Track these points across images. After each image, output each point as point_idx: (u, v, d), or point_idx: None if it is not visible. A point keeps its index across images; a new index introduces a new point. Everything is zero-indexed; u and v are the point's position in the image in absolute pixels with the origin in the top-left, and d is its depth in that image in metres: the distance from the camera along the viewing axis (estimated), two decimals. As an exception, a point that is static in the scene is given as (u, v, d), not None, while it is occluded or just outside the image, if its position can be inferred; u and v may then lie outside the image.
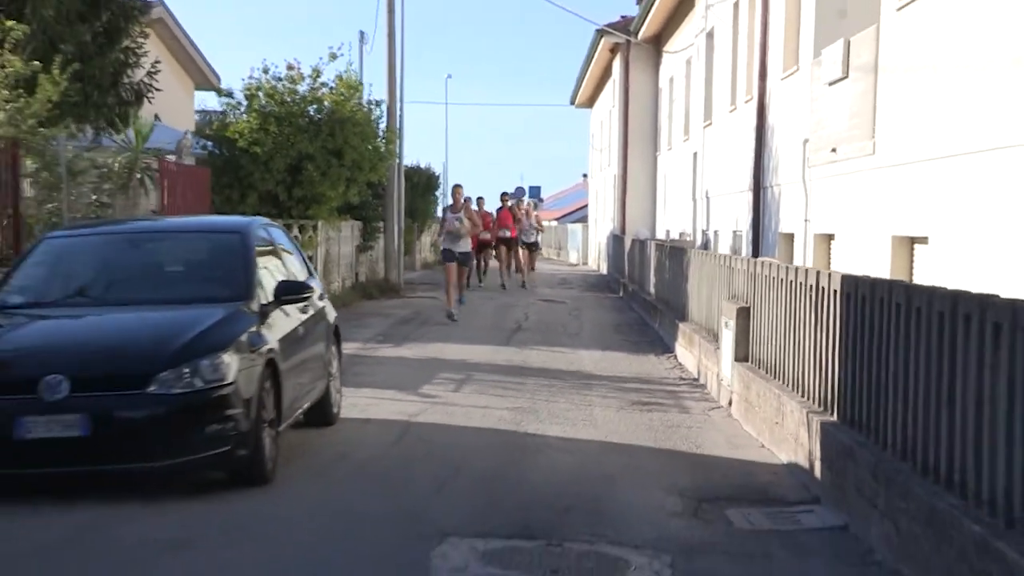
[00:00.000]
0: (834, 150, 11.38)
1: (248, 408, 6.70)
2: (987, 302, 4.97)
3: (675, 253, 15.56)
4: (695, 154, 21.65)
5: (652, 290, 18.37)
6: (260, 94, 18.94)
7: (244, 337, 6.90)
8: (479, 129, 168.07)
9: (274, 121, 18.69)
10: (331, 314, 9.18)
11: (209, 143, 19.18)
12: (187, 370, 6.46)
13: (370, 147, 19.45)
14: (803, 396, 7.94)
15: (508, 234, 25.07)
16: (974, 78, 8.29)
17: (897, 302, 5.98)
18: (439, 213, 43.37)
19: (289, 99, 18.96)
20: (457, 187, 19.29)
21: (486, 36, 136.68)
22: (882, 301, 6.20)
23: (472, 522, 6.19)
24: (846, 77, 11.02)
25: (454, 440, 8.58)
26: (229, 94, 19.35)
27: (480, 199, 24.82)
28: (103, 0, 15.72)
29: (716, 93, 19.78)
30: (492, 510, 6.49)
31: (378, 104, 20.74)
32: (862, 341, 6.57)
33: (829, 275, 7.42)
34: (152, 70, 16.40)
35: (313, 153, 18.54)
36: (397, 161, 23.12)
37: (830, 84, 11.59)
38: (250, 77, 19.32)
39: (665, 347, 14.72)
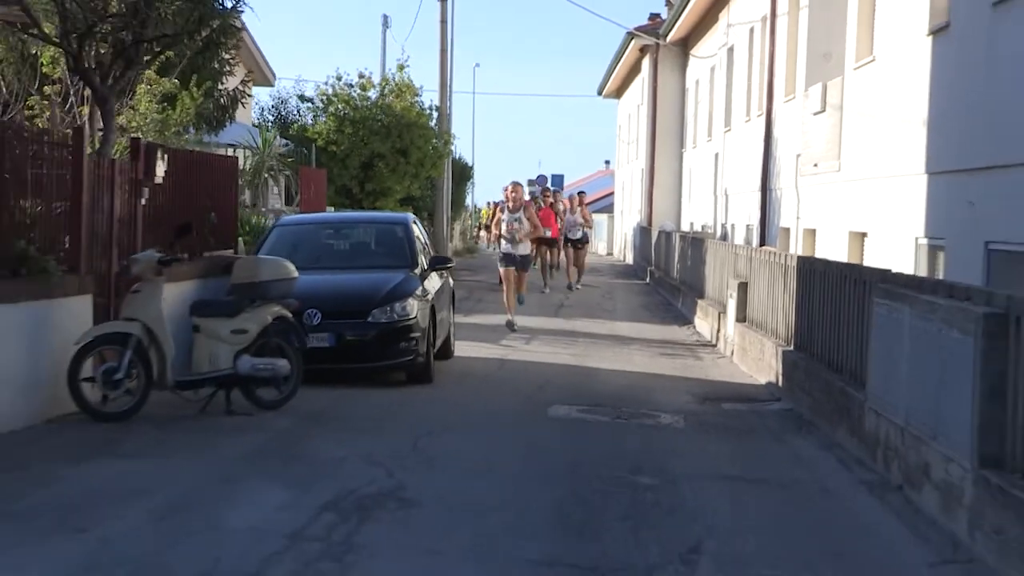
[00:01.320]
0: (816, 165, 16.73)
1: (423, 334, 12.07)
2: (857, 269, 10.29)
3: (696, 243, 20.93)
4: (716, 154, 26.99)
5: (676, 275, 23.74)
6: (336, 100, 24.33)
7: (418, 290, 12.28)
8: (498, 115, 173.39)
9: (349, 124, 24.10)
10: (451, 280, 14.60)
11: (290, 143, 24.58)
12: (388, 308, 11.83)
13: (431, 147, 24.87)
14: (776, 338, 13.26)
15: (549, 234, 24.55)
16: (888, 126, 13.64)
17: (820, 271, 11.31)
18: (471, 202, 48.67)
19: (361, 104, 24.36)
20: (517, 185, 19.90)
21: (510, 27, 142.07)
22: (812, 271, 11.54)
23: (565, 401, 11.53)
24: (824, 111, 16.36)
25: (538, 369, 13.95)
26: (309, 99, 24.77)
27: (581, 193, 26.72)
28: (206, 17, 21.13)
29: (735, 103, 25.09)
30: (575, 397, 11.82)
31: (435, 109, 26.15)
32: (805, 297, 11.88)
33: (786, 255, 12.80)
34: (245, 79, 21.83)
35: (384, 152, 23.95)
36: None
37: (814, 114, 16.92)
38: (325, 83, 24.72)
39: (686, 320, 20.07)
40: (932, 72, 12.33)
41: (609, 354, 15.59)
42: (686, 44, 33.15)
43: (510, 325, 17.61)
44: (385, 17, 40.25)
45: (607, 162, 75.86)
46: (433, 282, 13.02)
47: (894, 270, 9.99)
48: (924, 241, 12.55)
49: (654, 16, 38.14)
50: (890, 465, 8.20)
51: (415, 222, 13.64)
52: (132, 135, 13.77)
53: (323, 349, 11.52)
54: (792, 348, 12.40)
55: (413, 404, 11.13)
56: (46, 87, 14.78)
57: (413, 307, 11.97)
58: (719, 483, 8.17)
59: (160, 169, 11.29)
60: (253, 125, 25.76)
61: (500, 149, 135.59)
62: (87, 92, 14.24)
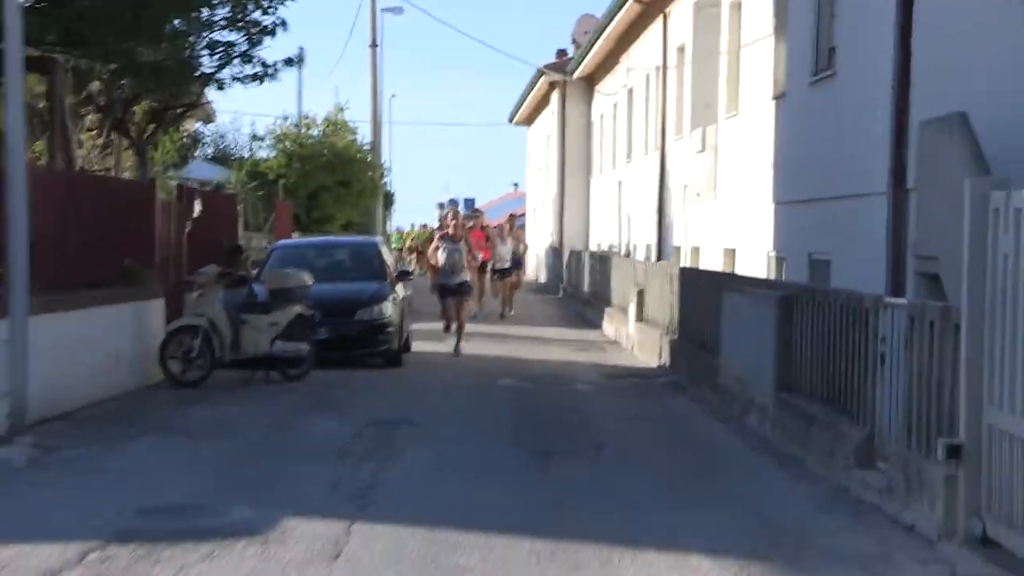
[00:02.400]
0: (698, 194, 21.36)
1: (395, 329, 16.39)
2: (715, 274, 14.86)
3: (603, 260, 25.47)
4: (620, 182, 31.63)
5: (586, 289, 28.26)
6: (285, 139, 28.60)
7: (391, 296, 16.60)
8: (407, 141, 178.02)
9: (297, 160, 28.36)
10: (408, 289, 18.95)
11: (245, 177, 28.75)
12: (369, 309, 16.12)
13: (368, 179, 29.23)
14: (664, 331, 17.77)
15: (480, 257, 24.48)
16: (748, 166, 18.29)
17: (693, 277, 15.86)
18: (391, 227, 52.76)
19: (306, 142, 28.65)
20: (455, 211, 21.62)
21: (422, 54, 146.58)
22: (688, 278, 16.08)
23: (507, 378, 15.91)
24: (704, 151, 20.98)
25: (482, 359, 18.31)
26: (261, 138, 29.03)
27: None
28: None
29: (635, 137, 29.74)
30: (515, 376, 16.20)
31: (370, 144, 30.56)
32: (685, 297, 16.40)
33: (671, 266, 17.40)
34: (201, 119, 26.04)
35: (328, 184, 28.23)
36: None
37: (696, 152, 21.55)
38: (274, 123, 28.95)
39: (595, 325, 24.57)
40: (775, 127, 16.97)
41: (535, 350, 20.01)
42: (591, 80, 37.79)
43: (456, 351, 18.49)
44: (301, 49, 44.18)
45: (515, 184, 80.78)
46: (399, 290, 17.37)
47: (752, 276, 14.57)
48: (772, 254, 17.17)
49: (561, 52, 42.81)
50: (733, 405, 12.71)
51: (382, 244, 18.00)
52: (172, 180, 17.96)
53: (321, 340, 15.76)
54: (676, 337, 16.92)
55: (394, 379, 15.46)
56: (85, 138, 18.80)
57: (387, 308, 16.30)
58: (618, 419, 12.62)
59: (197, 207, 15.52)
60: (202, 160, 29.91)
61: (409, 173, 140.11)
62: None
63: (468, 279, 19.29)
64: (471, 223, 25.63)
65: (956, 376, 7.19)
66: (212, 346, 13.64)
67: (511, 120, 53.07)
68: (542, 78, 39.99)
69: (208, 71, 16.38)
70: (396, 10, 34.58)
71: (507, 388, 14.82)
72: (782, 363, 11.20)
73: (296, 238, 20.50)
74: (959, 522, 6.94)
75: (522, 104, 47.19)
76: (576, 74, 37.55)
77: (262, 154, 28.63)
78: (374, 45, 32.24)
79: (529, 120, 50.93)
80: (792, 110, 16.31)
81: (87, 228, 12.60)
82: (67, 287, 11.73)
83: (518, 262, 26.85)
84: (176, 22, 14.76)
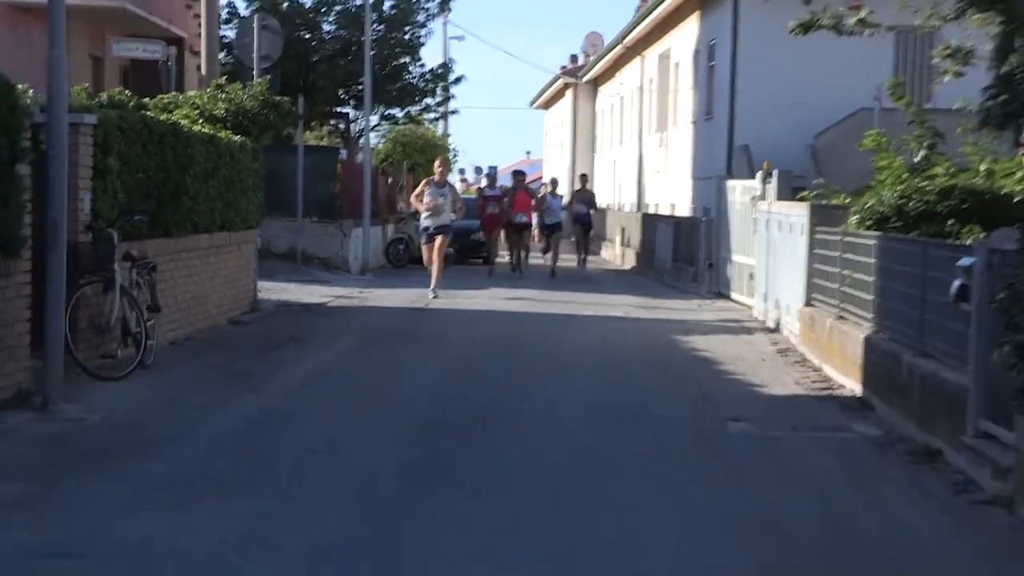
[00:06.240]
0: (658, 172, 36.89)
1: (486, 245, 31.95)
2: (654, 216, 30.49)
3: (602, 211, 41.06)
4: (614, 160, 47.10)
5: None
6: (393, 133, 43.99)
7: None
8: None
9: (400, 144, 43.71)
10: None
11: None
12: (477, 234, 31.68)
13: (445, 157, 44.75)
14: (636, 250, 33.28)
15: (524, 219, 27.93)
16: (683, 154, 33.88)
17: (647, 219, 31.42)
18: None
19: (407, 133, 44.04)
20: (444, 159, 24.56)
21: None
22: (646, 219, 31.67)
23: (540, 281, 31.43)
24: (661, 145, 36.47)
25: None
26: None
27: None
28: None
29: (624, 130, 45.15)
30: (559, 276, 31.67)
31: (443, 135, 46.09)
32: (645, 230, 31.90)
33: (640, 214, 33.18)
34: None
35: (420, 161, 43.63)
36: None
37: (658, 146, 37.05)
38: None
39: (597, 253, 40.07)
40: (693, 138, 32.39)
41: (568, 275, 35.55)
42: (596, 83, 53.15)
43: (434, 292, 21.29)
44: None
45: (528, 152, 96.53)
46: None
47: (665, 215, 29.96)
48: (690, 206, 32.64)
49: (574, 58, 58.31)
50: (661, 273, 28.23)
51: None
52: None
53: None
54: (641, 251, 32.42)
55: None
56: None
57: (481, 235, 31.69)
58: (608, 281, 28.11)
59: (389, 179, 31.08)
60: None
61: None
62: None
63: (448, 223, 21.92)
64: (515, 186, 28.97)
65: (707, 241, 22.94)
66: (410, 249, 29.09)
67: (531, 105, 68.56)
68: (560, 80, 55.42)
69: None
70: (459, 38, 50.22)
71: (558, 279, 30.31)
72: (675, 251, 26.79)
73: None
74: (712, 289, 22.69)
75: (541, 95, 62.65)
76: (585, 79, 52.97)
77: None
78: (444, 62, 47.60)
79: (547, 106, 66.31)
80: (698, 130, 31.73)
81: (360, 190, 28.19)
82: (359, 217, 27.31)
83: (588, 216, 30.83)
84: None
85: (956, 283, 9.35)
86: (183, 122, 15.08)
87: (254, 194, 17.38)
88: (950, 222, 13.35)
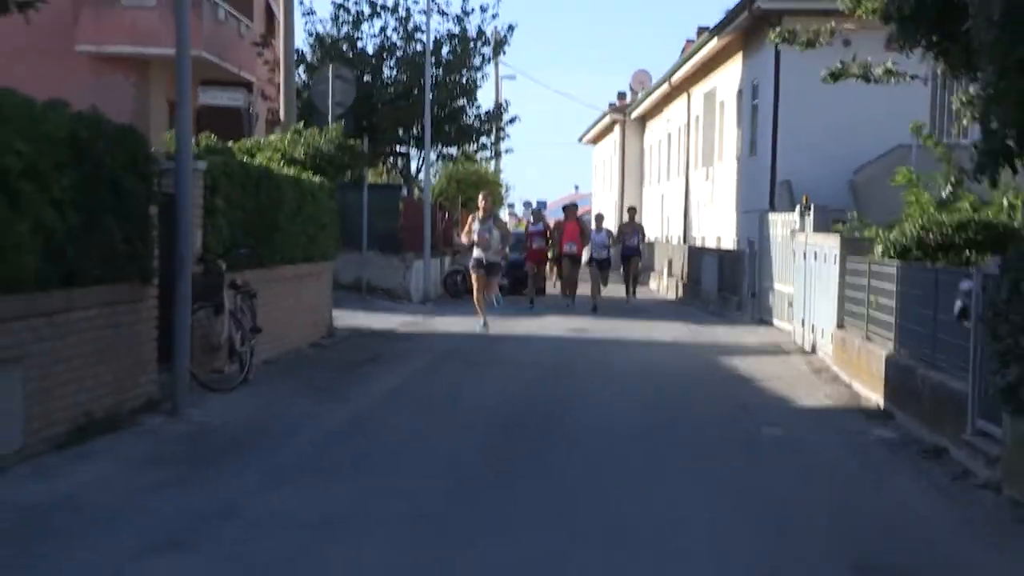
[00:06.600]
0: (704, 205, 38.44)
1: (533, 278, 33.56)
2: (699, 248, 32.02)
3: (650, 244, 42.59)
4: (662, 195, 48.66)
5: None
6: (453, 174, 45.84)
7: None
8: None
9: (455, 181, 45.51)
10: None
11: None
12: (523, 268, 33.35)
13: (498, 192, 46.42)
14: (680, 280, 34.82)
15: (573, 249, 28.75)
16: (728, 189, 35.44)
17: (692, 251, 32.96)
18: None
19: (462, 169, 45.81)
20: (487, 195, 24.30)
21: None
22: (692, 251, 33.21)
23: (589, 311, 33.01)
24: (708, 180, 38.03)
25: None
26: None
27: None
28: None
29: (672, 165, 46.71)
30: (610, 309, 33.25)
31: (495, 171, 47.83)
32: (690, 261, 33.43)
33: (686, 246, 34.76)
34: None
35: (474, 196, 45.38)
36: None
37: (704, 180, 38.60)
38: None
39: (646, 284, 41.57)
40: (736, 173, 33.91)
41: (615, 292, 37.09)
42: (644, 119, 54.76)
43: (484, 326, 21.78)
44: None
45: (576, 187, 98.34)
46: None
47: (709, 248, 31.47)
48: (735, 239, 34.10)
49: (621, 95, 59.92)
50: (706, 303, 29.72)
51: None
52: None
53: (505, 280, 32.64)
54: (687, 282, 33.92)
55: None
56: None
57: (529, 268, 33.28)
58: (658, 312, 29.63)
59: (448, 209, 32.78)
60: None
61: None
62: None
63: (499, 260, 22.64)
64: (567, 217, 29.80)
65: (750, 271, 24.45)
66: (467, 280, 30.71)
67: (580, 140, 70.26)
68: (608, 116, 57.10)
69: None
70: (511, 77, 52.08)
71: (613, 306, 31.84)
72: (720, 281, 28.30)
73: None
74: (755, 316, 24.19)
75: (590, 131, 64.35)
76: (633, 115, 54.60)
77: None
78: (498, 103, 49.36)
79: (595, 141, 68.00)
80: (742, 165, 33.26)
81: (421, 224, 29.88)
82: (420, 250, 28.99)
83: (636, 249, 31.85)
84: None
85: (958, 304, 10.85)
86: (273, 165, 16.81)
87: (331, 229, 19.08)
88: (967, 252, 14.85)
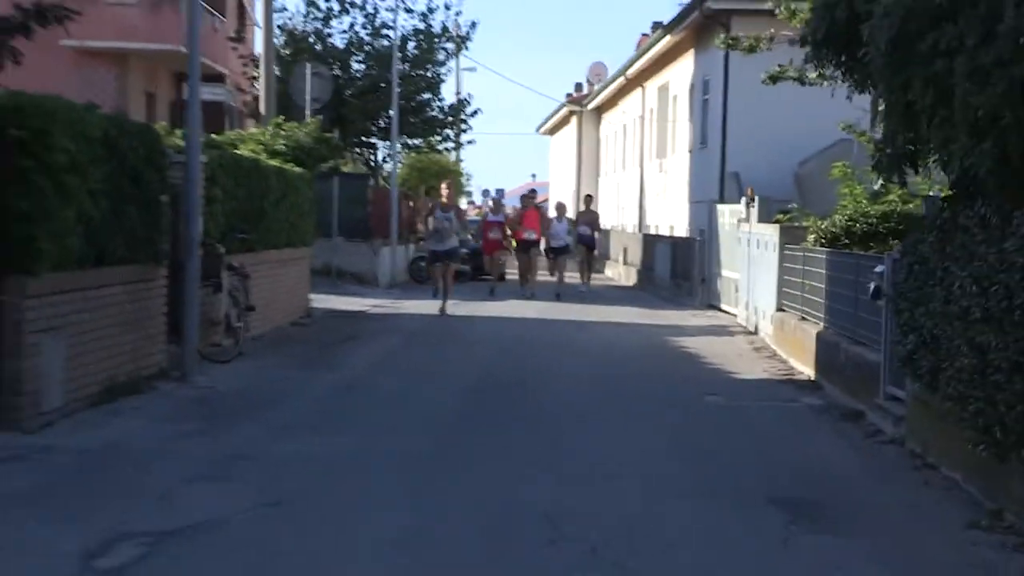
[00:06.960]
0: (657, 195, 40.12)
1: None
2: (653, 236, 33.70)
3: (606, 232, 44.23)
4: (618, 184, 50.32)
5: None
6: (411, 159, 47.29)
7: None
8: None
9: (416, 170, 46.98)
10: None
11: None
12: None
13: (459, 181, 47.90)
14: (636, 268, 36.48)
15: (533, 235, 29.25)
16: (679, 181, 37.14)
17: (647, 239, 34.62)
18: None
19: (424, 159, 47.29)
20: (448, 183, 24.73)
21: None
22: (648, 239, 34.87)
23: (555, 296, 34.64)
24: (661, 171, 39.70)
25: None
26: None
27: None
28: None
29: (627, 157, 48.37)
30: (572, 294, 34.87)
31: (456, 160, 49.39)
32: (645, 249, 35.09)
33: (641, 234, 36.43)
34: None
35: (435, 184, 46.86)
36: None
37: (658, 172, 40.28)
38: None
39: (601, 271, 43.20)
40: (689, 165, 35.58)
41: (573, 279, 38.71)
42: (599, 111, 56.38)
43: (441, 311, 22.72)
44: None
45: (533, 175, 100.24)
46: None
47: (662, 235, 33.14)
48: (687, 228, 35.78)
49: (578, 87, 61.58)
50: (659, 288, 31.37)
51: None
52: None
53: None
54: (641, 269, 35.57)
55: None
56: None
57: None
58: (615, 298, 31.27)
59: (410, 203, 34.26)
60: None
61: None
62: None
63: (456, 247, 23.33)
64: (525, 204, 30.80)
65: (700, 259, 26.15)
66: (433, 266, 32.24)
67: (538, 130, 71.84)
68: (565, 108, 58.69)
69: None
70: (471, 69, 53.57)
71: (572, 292, 33.43)
72: (673, 268, 29.98)
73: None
74: (704, 301, 25.92)
75: (548, 121, 65.95)
76: (589, 107, 56.22)
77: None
78: (458, 93, 50.83)
79: (552, 132, 69.59)
80: (693, 158, 34.94)
81: (388, 213, 31.36)
82: (387, 237, 30.46)
83: (591, 238, 31.96)
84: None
85: (872, 285, 12.51)
86: (259, 157, 18.29)
87: (309, 217, 20.58)
88: (890, 240, 16.52)
